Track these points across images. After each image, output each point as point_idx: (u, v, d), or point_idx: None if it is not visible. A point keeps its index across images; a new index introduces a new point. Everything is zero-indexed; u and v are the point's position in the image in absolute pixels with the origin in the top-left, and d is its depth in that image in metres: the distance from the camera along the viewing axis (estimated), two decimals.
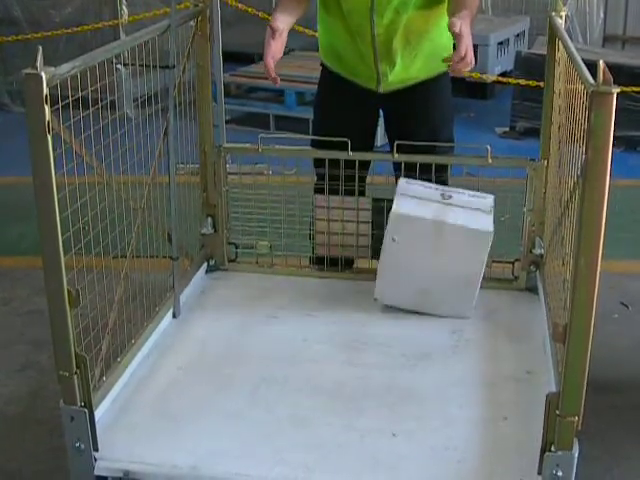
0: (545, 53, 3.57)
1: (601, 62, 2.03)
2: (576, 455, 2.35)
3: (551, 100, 3.47)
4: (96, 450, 2.61)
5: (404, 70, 3.57)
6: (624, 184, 5.95)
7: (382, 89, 3.60)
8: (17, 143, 6.62)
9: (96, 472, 2.61)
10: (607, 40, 9.56)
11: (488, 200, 3.41)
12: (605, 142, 2.02)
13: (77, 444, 2.59)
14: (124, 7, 7.28)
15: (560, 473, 2.35)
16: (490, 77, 7.74)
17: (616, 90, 2.00)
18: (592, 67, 6.39)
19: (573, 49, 2.58)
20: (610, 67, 6.40)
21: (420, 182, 3.47)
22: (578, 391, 2.27)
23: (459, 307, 3.42)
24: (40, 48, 2.21)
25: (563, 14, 3.37)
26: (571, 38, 8.82)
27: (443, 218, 3.29)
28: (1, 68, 8.15)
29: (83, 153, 2.57)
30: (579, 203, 2.15)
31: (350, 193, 3.60)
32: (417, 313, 3.44)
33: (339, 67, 3.68)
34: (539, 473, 2.38)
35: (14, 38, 7.41)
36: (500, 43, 8.35)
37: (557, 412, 2.30)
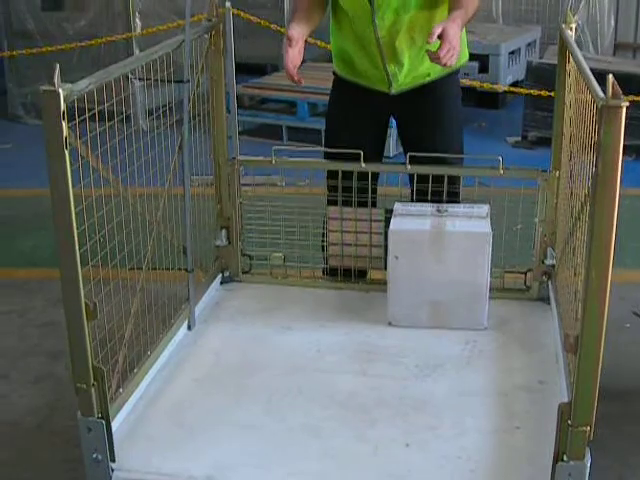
0: (553, 62, 3.59)
1: (610, 76, 2.06)
2: (588, 465, 2.37)
3: (562, 111, 3.49)
4: (113, 461, 2.65)
5: (413, 69, 3.61)
6: (634, 193, 5.96)
7: (394, 90, 3.64)
8: (32, 155, 6.69)
9: None
10: (618, 48, 9.58)
11: (483, 209, 3.47)
12: (615, 156, 2.04)
13: (94, 455, 2.63)
14: (137, 20, 7.34)
15: None
16: (501, 87, 7.75)
17: (625, 104, 2.02)
18: (602, 77, 6.39)
19: (583, 62, 2.61)
20: (621, 76, 6.43)
21: (415, 204, 3.56)
22: (590, 401, 2.29)
23: (472, 317, 3.44)
24: (57, 65, 2.25)
25: (573, 26, 3.39)
26: (581, 47, 8.81)
27: (441, 227, 3.37)
28: (15, 81, 8.20)
29: (99, 167, 2.60)
30: (589, 216, 2.18)
31: (362, 204, 3.64)
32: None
33: (351, 73, 3.73)
34: None
35: (28, 51, 7.46)
36: (511, 53, 8.38)
37: (569, 422, 2.32)
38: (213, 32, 3.48)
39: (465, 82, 7.33)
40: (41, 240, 4.90)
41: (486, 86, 7.21)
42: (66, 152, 2.30)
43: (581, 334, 2.25)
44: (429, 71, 3.61)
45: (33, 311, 4.25)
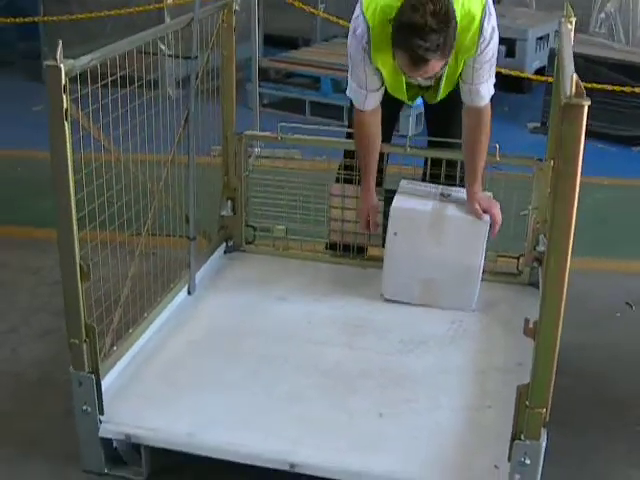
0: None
1: (574, 75, 2.15)
2: (544, 445, 2.50)
3: (559, 102, 3.57)
4: (102, 413, 2.82)
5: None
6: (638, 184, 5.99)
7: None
8: None
9: (100, 434, 2.82)
10: None
11: (485, 195, 3.56)
12: (575, 153, 2.14)
13: (84, 407, 2.80)
14: None
15: (528, 461, 2.50)
16: (525, 73, 7.79)
17: (587, 103, 2.11)
18: (626, 68, 6.43)
19: (566, 58, 2.68)
20: None
21: (421, 182, 3.67)
22: (546, 385, 2.41)
23: (462, 299, 3.57)
24: (60, 42, 2.40)
25: (573, 19, 3.47)
26: (613, 37, 8.73)
27: (442, 211, 3.48)
28: (50, 45, 8.32)
29: (101, 137, 2.75)
30: (550, 207, 2.29)
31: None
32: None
33: None
34: (509, 460, 2.53)
35: (61, 18, 7.58)
36: (540, 38, 8.38)
37: (527, 403, 2.45)
38: (225, 10, 3.60)
39: None
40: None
41: (506, 72, 7.22)
42: (66, 123, 2.45)
43: (540, 319, 2.38)
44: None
45: (46, 269, 4.41)
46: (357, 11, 3.25)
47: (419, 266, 3.53)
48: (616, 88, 6.25)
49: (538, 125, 7.17)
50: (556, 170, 2.19)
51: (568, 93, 2.14)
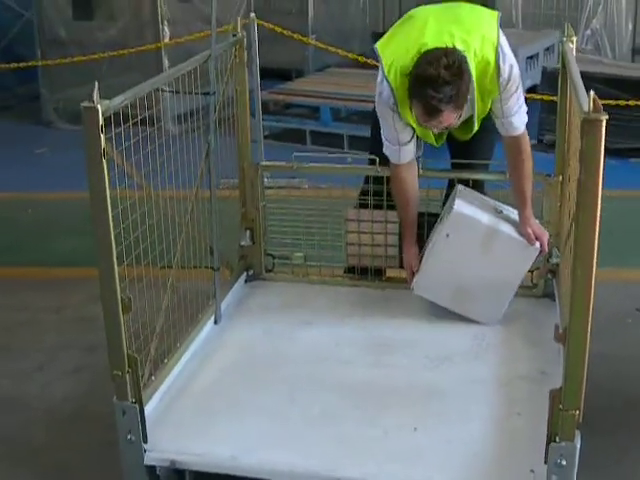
0: None
1: (592, 92, 2.27)
2: (578, 446, 2.59)
3: (565, 119, 3.70)
4: (145, 442, 2.90)
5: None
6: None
7: None
8: (66, 159, 7.01)
9: (146, 462, 2.91)
10: (636, 52, 9.67)
11: (537, 222, 3.66)
12: (596, 164, 2.25)
13: (128, 437, 2.89)
14: (166, 28, 7.59)
15: (564, 462, 2.59)
16: None
17: (605, 117, 2.23)
18: (617, 82, 6.57)
19: (575, 76, 2.81)
20: (636, 82, 6.52)
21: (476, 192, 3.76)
22: (578, 387, 2.51)
23: (490, 312, 3.67)
24: (96, 84, 2.50)
25: (574, 38, 3.60)
26: (600, 52, 8.91)
27: (497, 226, 3.57)
28: (48, 86, 8.45)
29: (133, 174, 2.86)
30: (574, 219, 2.40)
31: (379, 207, 3.86)
32: (441, 319, 3.69)
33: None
34: (545, 462, 2.62)
35: (62, 61, 7.72)
36: (530, 57, 8.53)
37: (560, 406, 2.54)
38: (237, 46, 3.72)
39: None
40: (76, 242, 5.15)
41: None
42: (104, 161, 2.55)
43: (569, 326, 2.48)
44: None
45: (70, 307, 4.51)
46: (380, 76, 3.45)
47: (459, 272, 3.62)
48: (611, 102, 6.39)
49: (535, 142, 7.31)
50: (578, 182, 2.30)
51: (586, 109, 2.25)
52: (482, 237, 3.57)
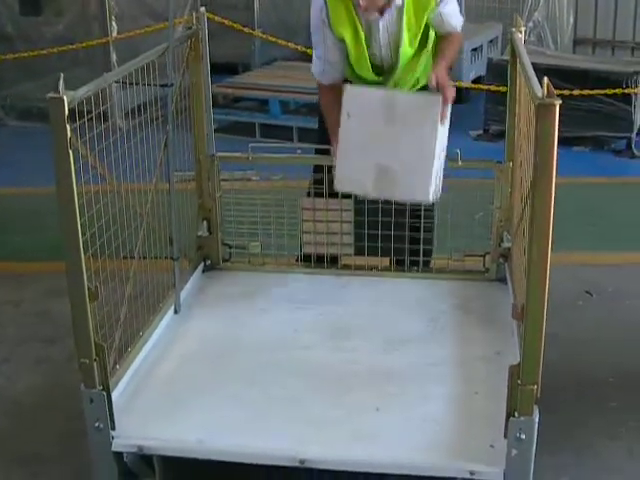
0: None
1: (545, 78, 2.36)
2: (536, 420, 2.69)
3: (514, 107, 3.81)
4: (113, 429, 2.94)
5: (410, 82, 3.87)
6: (591, 182, 6.31)
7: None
8: (14, 156, 6.97)
9: (113, 448, 2.94)
10: (577, 43, 9.87)
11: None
12: (550, 147, 2.35)
13: (96, 424, 2.92)
14: (113, 23, 7.59)
15: (523, 436, 2.68)
16: (463, 83, 8.06)
17: (558, 102, 2.33)
18: (561, 73, 6.72)
19: (527, 64, 2.91)
20: (579, 72, 6.71)
21: None
22: (536, 362, 2.61)
23: (417, 187, 3.43)
24: (62, 75, 2.54)
25: (523, 29, 3.71)
26: (542, 43, 9.07)
27: (394, 94, 3.53)
28: None
29: (97, 165, 2.89)
30: (530, 201, 2.50)
31: (335, 196, 3.93)
32: (398, 304, 3.78)
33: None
34: (505, 437, 2.72)
35: (11, 56, 7.68)
36: (474, 49, 8.68)
37: (518, 382, 2.64)
38: (193, 38, 3.77)
39: None
40: (31, 236, 5.16)
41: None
42: (70, 152, 2.59)
43: (526, 303, 2.57)
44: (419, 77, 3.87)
45: (27, 302, 4.53)
46: None
47: (372, 152, 3.44)
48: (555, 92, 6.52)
49: (481, 132, 7.46)
50: (534, 165, 2.39)
51: (540, 94, 2.35)
52: (381, 106, 3.43)
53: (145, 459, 3.01)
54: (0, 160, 7.19)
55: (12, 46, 8.00)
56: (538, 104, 2.34)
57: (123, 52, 7.37)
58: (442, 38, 3.72)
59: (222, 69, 9.04)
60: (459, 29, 3.75)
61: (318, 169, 3.95)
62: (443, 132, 3.40)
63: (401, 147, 3.39)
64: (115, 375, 3.13)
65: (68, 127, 2.57)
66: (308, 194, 4.03)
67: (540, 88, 2.39)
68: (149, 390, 3.22)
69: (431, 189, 3.40)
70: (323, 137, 3.90)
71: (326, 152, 3.81)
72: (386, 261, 4.11)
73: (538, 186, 2.41)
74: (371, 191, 3.52)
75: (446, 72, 3.50)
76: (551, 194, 2.40)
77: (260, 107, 7.64)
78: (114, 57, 7.62)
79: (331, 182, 3.84)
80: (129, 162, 3.23)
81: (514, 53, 3.71)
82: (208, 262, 4.18)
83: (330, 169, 3.82)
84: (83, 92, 2.70)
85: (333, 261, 4.12)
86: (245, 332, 3.63)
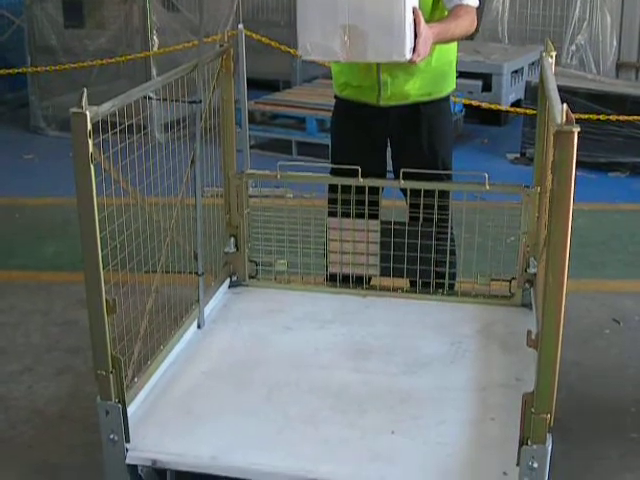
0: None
1: (564, 105, 2.35)
2: (549, 449, 2.66)
3: (543, 132, 3.79)
4: (128, 441, 2.96)
5: (404, 83, 3.87)
6: (626, 208, 6.25)
7: (382, 101, 3.91)
8: (53, 166, 7.08)
9: (127, 461, 2.96)
10: (621, 68, 9.81)
11: None
12: (568, 175, 2.33)
13: (111, 436, 2.94)
14: (154, 37, 7.68)
15: (535, 465, 2.66)
16: (502, 106, 8.04)
17: (577, 130, 2.31)
18: (599, 97, 6.69)
19: (553, 89, 2.89)
20: (619, 96, 6.68)
21: None
22: (550, 391, 2.59)
23: (392, 46, 3.23)
24: (85, 90, 2.57)
25: (554, 53, 3.69)
26: (584, 67, 9.04)
27: None
28: (37, 94, 8.54)
29: (120, 179, 2.92)
30: (547, 228, 2.48)
31: (362, 216, 3.93)
32: (420, 326, 3.76)
33: (347, 90, 4.02)
34: (517, 465, 2.70)
35: (52, 68, 7.80)
36: (514, 72, 8.67)
37: (532, 410, 2.62)
38: (224, 56, 3.80)
39: (468, 100, 7.66)
40: (62, 246, 5.23)
41: (485, 105, 7.49)
42: (91, 166, 2.61)
43: (541, 331, 2.56)
44: (418, 92, 3.89)
45: (54, 312, 4.58)
46: None
47: (334, 10, 3.20)
48: (592, 117, 6.50)
49: (518, 155, 7.43)
50: (551, 192, 2.38)
51: (559, 121, 2.33)
52: None
53: (159, 473, 3.02)
54: (39, 170, 7.31)
55: (55, 58, 8.14)
56: (556, 131, 2.33)
57: (163, 66, 7.44)
58: (451, 14, 3.65)
59: (263, 86, 9.16)
60: (471, 3, 3.66)
61: (332, 188, 3.97)
62: None
63: (366, 3, 3.16)
64: (133, 388, 3.15)
65: (90, 142, 2.59)
66: (329, 214, 4.04)
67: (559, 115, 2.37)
68: (166, 404, 3.23)
69: (407, 47, 3.20)
70: (336, 154, 3.99)
71: (339, 172, 3.89)
72: (408, 282, 4.09)
73: (555, 213, 2.39)
74: (340, 55, 3.29)
75: (434, 36, 3.41)
76: (567, 222, 2.39)
77: (297, 125, 7.68)
78: (154, 71, 7.71)
79: (346, 202, 3.86)
80: (156, 176, 3.27)
81: (543, 77, 3.69)
82: (234, 278, 4.19)
83: (344, 189, 3.84)
84: (107, 107, 2.73)
85: (359, 281, 4.12)
86: (266, 349, 3.63)
